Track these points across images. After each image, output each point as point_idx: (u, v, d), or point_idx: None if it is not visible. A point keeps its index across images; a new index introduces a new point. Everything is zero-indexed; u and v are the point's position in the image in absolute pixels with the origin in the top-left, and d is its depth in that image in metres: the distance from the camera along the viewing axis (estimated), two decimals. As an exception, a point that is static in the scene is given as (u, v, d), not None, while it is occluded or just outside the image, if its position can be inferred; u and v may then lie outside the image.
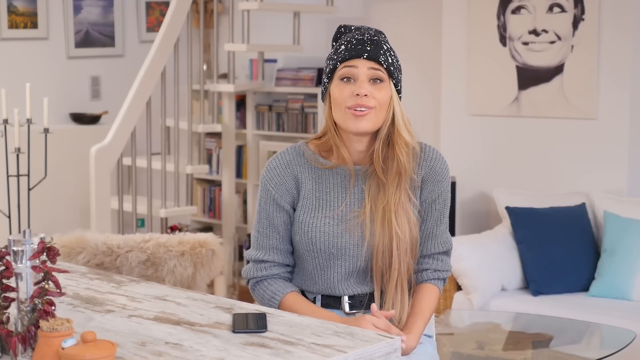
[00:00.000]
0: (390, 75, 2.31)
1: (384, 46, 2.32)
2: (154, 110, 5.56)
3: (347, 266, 2.35)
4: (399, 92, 2.34)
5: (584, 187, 4.73)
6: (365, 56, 2.29)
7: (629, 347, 3.57)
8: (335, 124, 2.34)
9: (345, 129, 2.31)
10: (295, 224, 2.38)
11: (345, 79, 2.30)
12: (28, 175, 4.86)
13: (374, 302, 2.36)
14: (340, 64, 2.31)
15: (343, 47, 2.32)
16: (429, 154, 2.38)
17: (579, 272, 4.40)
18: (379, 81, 2.30)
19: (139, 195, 5.53)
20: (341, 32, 2.40)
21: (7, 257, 1.84)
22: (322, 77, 2.39)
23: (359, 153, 2.36)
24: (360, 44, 2.30)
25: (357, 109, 2.27)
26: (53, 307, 1.85)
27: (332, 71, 2.33)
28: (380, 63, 2.29)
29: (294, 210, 2.38)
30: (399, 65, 2.36)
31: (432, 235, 2.40)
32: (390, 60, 2.31)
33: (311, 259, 2.36)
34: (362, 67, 2.29)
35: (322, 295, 2.39)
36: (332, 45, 2.41)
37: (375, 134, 2.33)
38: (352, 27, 2.39)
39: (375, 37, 2.33)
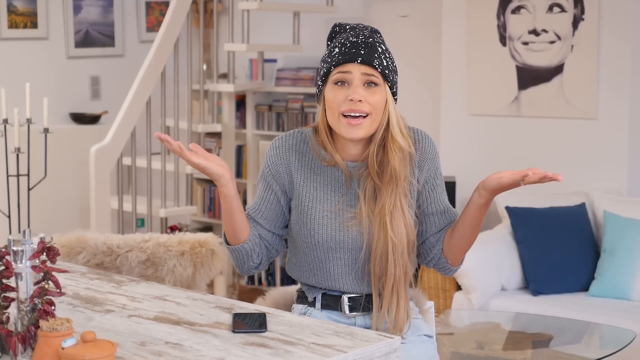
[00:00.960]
0: (385, 78, 2.28)
1: (379, 48, 2.29)
2: (153, 110, 5.56)
3: (346, 260, 2.35)
4: (394, 94, 2.32)
5: (583, 187, 4.73)
6: (359, 60, 2.26)
7: (629, 347, 3.57)
8: (329, 126, 2.33)
9: (338, 134, 2.30)
10: (294, 213, 2.38)
11: (339, 83, 2.28)
12: (28, 175, 4.86)
13: (371, 304, 2.36)
14: (334, 68, 2.28)
15: (337, 50, 2.29)
16: (418, 137, 2.38)
17: (579, 272, 4.40)
18: (373, 85, 2.28)
19: (139, 195, 5.53)
20: (336, 32, 2.38)
21: (7, 257, 1.84)
22: (316, 78, 2.38)
23: (354, 154, 2.35)
24: (354, 47, 2.27)
25: (351, 114, 2.25)
26: (53, 307, 1.85)
27: (326, 74, 2.31)
28: (374, 67, 2.26)
29: (285, 194, 2.38)
30: (394, 67, 2.33)
31: (446, 208, 2.40)
32: (385, 64, 2.28)
33: (310, 251, 2.36)
34: (356, 72, 2.26)
35: (322, 295, 2.40)
36: (327, 45, 2.38)
37: (370, 136, 2.32)
38: (347, 27, 2.35)
39: (370, 39, 2.29)
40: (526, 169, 2.19)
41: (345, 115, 2.26)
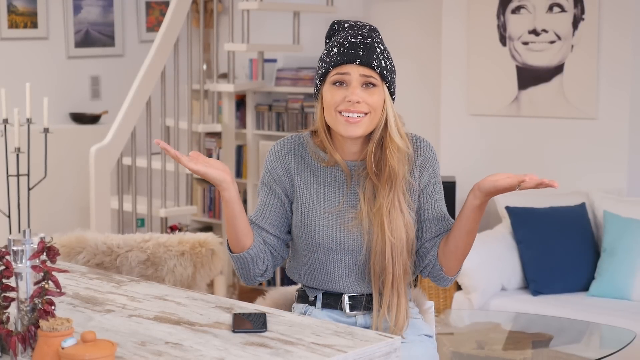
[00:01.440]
0: (384, 79, 2.29)
1: (377, 49, 2.29)
2: (153, 110, 5.56)
3: (346, 261, 2.35)
4: (392, 93, 2.32)
5: (584, 187, 4.73)
6: (357, 62, 2.26)
7: (629, 347, 3.57)
8: (327, 125, 2.33)
9: (336, 132, 2.31)
10: (294, 216, 2.38)
11: (337, 84, 2.28)
12: (28, 175, 4.85)
13: (372, 303, 2.36)
14: (333, 69, 2.28)
15: (335, 50, 2.29)
16: (419, 144, 2.38)
17: (579, 271, 4.40)
18: (371, 86, 2.28)
19: (139, 195, 5.53)
20: (334, 30, 2.37)
21: (7, 257, 1.84)
22: (314, 76, 2.38)
23: (353, 153, 2.35)
24: (352, 47, 2.27)
25: (349, 114, 2.26)
26: (53, 307, 1.85)
27: (324, 74, 2.31)
28: (372, 68, 2.26)
29: (288, 197, 2.38)
30: (393, 67, 2.33)
31: (443, 215, 2.39)
32: (383, 64, 2.28)
33: (310, 254, 2.36)
34: (354, 73, 2.26)
35: (323, 294, 2.39)
36: (325, 43, 2.38)
37: (369, 134, 2.32)
38: (346, 25, 2.35)
39: (369, 39, 2.29)
40: (522, 174, 2.19)
41: (342, 114, 2.26)
